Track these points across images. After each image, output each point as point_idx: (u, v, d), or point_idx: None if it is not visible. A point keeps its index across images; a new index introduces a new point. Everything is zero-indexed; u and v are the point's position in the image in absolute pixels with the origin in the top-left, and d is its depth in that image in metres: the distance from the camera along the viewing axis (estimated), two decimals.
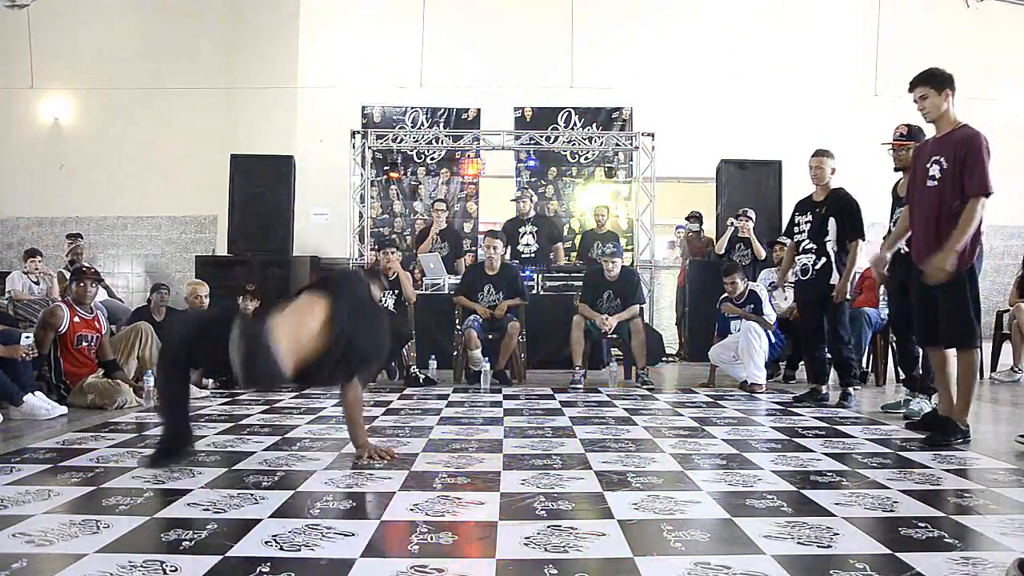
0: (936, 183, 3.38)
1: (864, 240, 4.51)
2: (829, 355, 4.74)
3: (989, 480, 2.69)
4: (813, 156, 4.63)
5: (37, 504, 2.33)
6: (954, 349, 3.43)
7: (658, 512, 2.28)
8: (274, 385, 3.75)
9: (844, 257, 4.50)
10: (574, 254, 8.03)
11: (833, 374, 4.88)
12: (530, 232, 7.19)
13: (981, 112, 10.53)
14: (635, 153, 8.42)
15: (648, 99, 9.42)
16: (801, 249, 4.66)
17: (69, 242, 8.05)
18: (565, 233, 8.52)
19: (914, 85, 3.44)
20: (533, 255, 7.13)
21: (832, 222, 4.50)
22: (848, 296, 4.63)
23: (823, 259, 4.53)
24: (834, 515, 2.24)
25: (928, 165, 3.41)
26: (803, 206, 4.74)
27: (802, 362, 5.78)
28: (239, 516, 2.22)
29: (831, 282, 4.49)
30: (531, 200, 7.51)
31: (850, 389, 4.65)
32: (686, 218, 8.25)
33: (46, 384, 4.32)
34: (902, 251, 3.90)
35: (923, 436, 3.45)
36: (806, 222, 4.65)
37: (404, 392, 5.14)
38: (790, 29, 10.67)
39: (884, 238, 4.25)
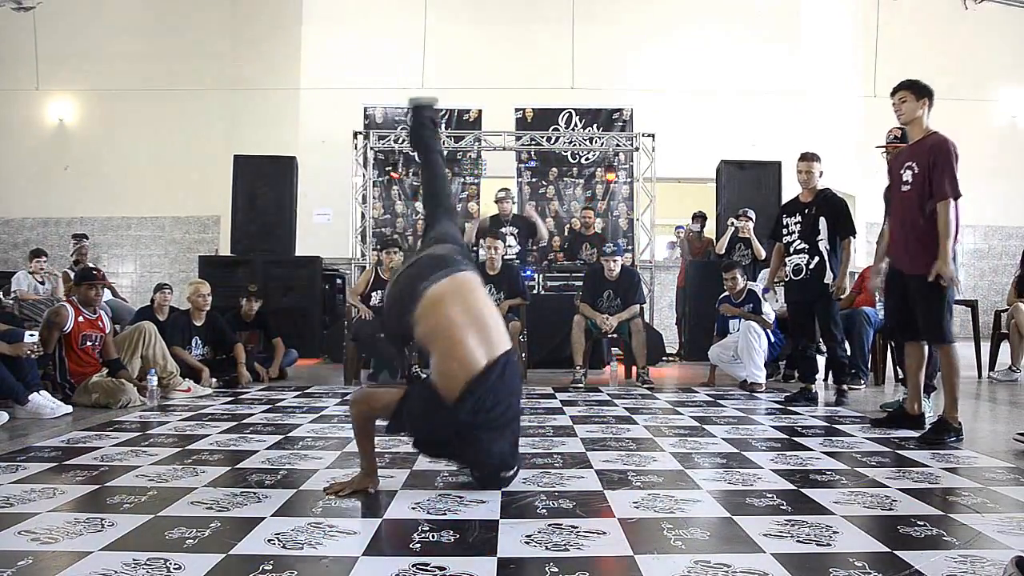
0: (909, 187, 3.56)
1: (855, 237, 4.61)
2: (821, 354, 4.78)
3: (987, 479, 2.70)
4: (801, 160, 4.69)
5: (42, 502, 2.35)
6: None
7: (658, 511, 2.29)
8: None
9: (836, 256, 4.57)
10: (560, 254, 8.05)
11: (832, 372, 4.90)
12: (511, 233, 7.22)
13: (980, 112, 10.60)
14: (635, 154, 8.43)
15: (648, 100, 9.44)
16: (792, 250, 4.70)
17: (74, 242, 8.09)
18: (565, 233, 8.54)
19: (896, 90, 3.64)
20: (515, 256, 7.17)
21: (823, 221, 4.58)
22: (843, 294, 4.66)
23: (816, 258, 4.58)
24: (833, 513, 2.25)
25: (902, 171, 3.60)
26: (790, 208, 4.81)
27: None
28: (242, 514, 2.23)
29: (825, 281, 4.55)
30: (513, 200, 7.53)
31: (845, 387, 4.68)
32: (692, 217, 8.26)
33: (51, 383, 4.35)
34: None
35: (917, 436, 3.49)
36: (795, 223, 4.70)
37: None
38: (790, 31, 10.69)
39: (878, 242, 4.30)
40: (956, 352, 3.51)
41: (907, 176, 3.56)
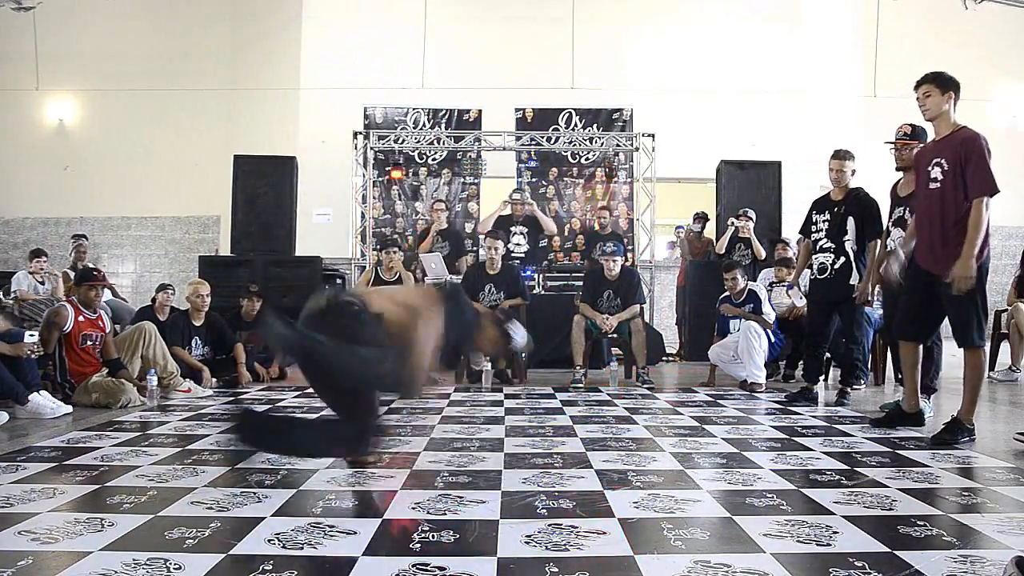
0: (938, 185, 3.42)
1: (881, 240, 4.46)
2: (830, 355, 4.73)
3: (987, 479, 2.71)
4: (834, 158, 4.56)
5: (42, 502, 2.35)
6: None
7: (658, 511, 2.29)
8: None
9: (862, 257, 4.46)
10: (575, 254, 8.05)
11: (834, 372, 4.88)
12: (520, 232, 7.24)
13: (980, 112, 10.57)
14: (635, 154, 8.43)
15: (648, 100, 9.44)
16: (819, 248, 4.60)
17: (73, 242, 8.08)
18: (566, 233, 8.54)
19: (920, 83, 3.49)
20: (523, 255, 7.18)
21: (851, 221, 4.47)
22: (868, 298, 4.52)
23: (842, 259, 4.49)
24: (833, 513, 2.25)
25: (929, 168, 3.45)
26: (821, 205, 4.66)
27: (801, 361, 5.79)
28: (242, 514, 2.23)
29: (851, 282, 4.46)
30: (529, 203, 7.55)
31: (848, 388, 4.66)
32: (693, 218, 8.26)
33: (51, 383, 4.35)
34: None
35: (930, 436, 3.44)
36: (824, 221, 4.58)
37: None
38: (790, 31, 10.70)
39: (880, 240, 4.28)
40: (984, 357, 3.44)
41: (935, 173, 3.41)
